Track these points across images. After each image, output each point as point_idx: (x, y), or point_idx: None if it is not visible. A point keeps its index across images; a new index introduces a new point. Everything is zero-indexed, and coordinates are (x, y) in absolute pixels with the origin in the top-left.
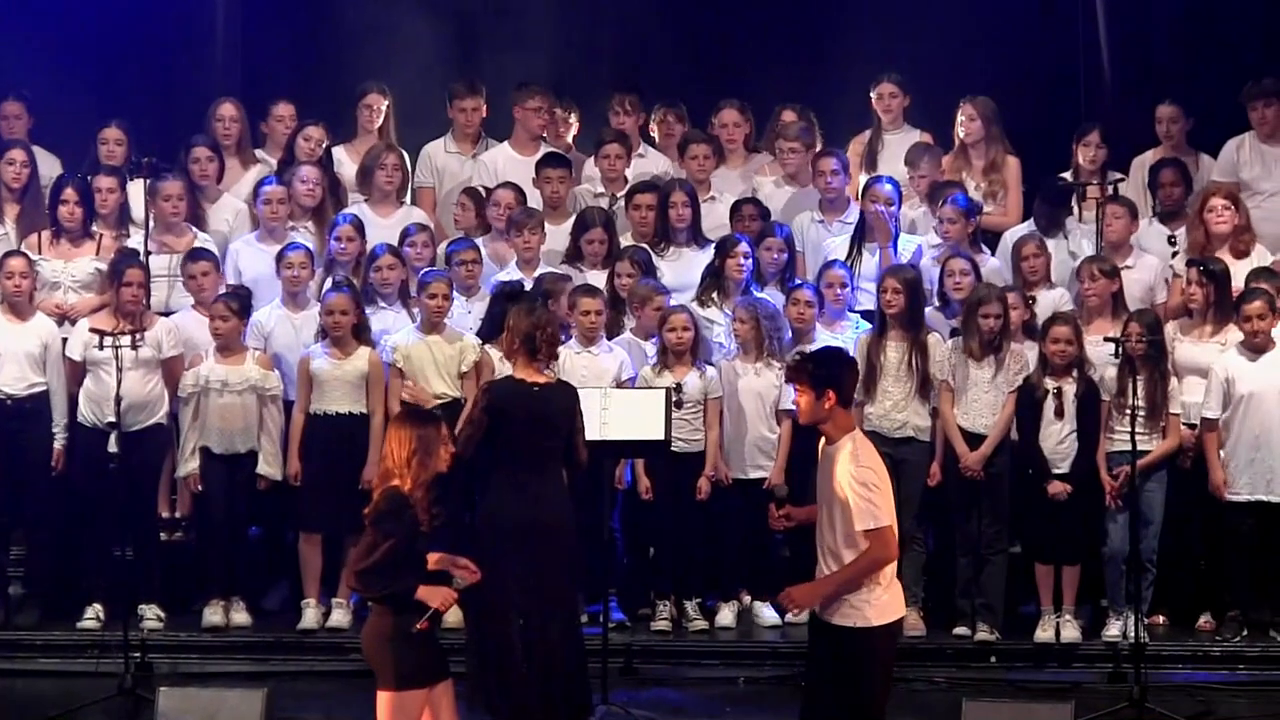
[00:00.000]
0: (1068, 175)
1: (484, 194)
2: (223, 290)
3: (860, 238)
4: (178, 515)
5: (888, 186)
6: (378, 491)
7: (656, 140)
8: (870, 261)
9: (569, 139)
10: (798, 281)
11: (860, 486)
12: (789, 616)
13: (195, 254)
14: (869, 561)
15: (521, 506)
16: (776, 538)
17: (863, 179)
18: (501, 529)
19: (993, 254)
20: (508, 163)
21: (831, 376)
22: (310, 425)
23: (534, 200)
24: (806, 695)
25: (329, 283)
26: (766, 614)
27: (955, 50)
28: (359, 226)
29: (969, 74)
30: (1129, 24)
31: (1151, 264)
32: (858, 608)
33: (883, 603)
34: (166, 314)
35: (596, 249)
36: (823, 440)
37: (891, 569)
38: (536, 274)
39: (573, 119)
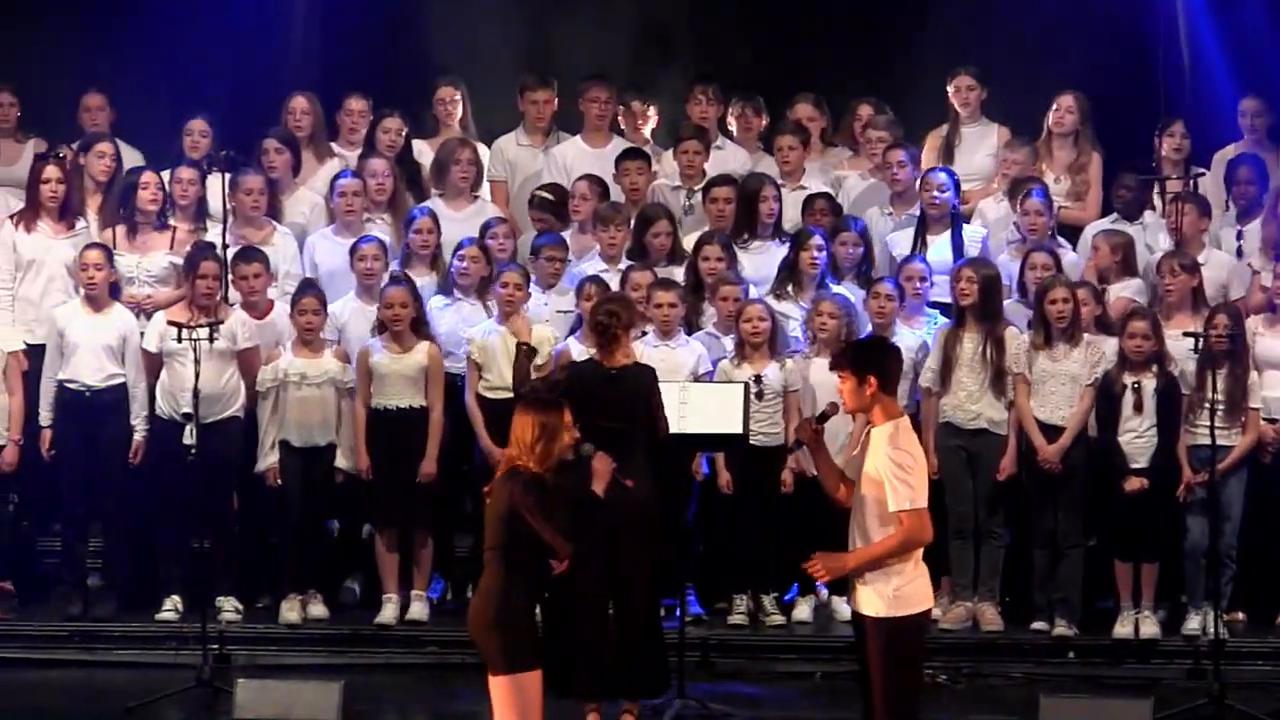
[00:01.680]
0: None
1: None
2: (272, 288)
3: (923, 230)
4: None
5: (942, 175)
6: (502, 470)
7: (734, 133)
8: (933, 253)
9: (646, 133)
10: (878, 275)
11: (897, 468)
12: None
13: (247, 254)
14: (901, 541)
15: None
16: (795, 444)
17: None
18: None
19: (1074, 248)
20: (579, 155)
21: (872, 362)
22: (372, 419)
23: (611, 194)
24: (862, 686)
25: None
26: (844, 609)
27: (1034, 42)
28: (437, 219)
29: (1048, 67)
30: (1213, 16)
31: (1224, 260)
32: (877, 597)
33: (904, 593)
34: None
35: (663, 241)
36: (868, 424)
37: (918, 559)
38: (620, 268)
39: (651, 112)
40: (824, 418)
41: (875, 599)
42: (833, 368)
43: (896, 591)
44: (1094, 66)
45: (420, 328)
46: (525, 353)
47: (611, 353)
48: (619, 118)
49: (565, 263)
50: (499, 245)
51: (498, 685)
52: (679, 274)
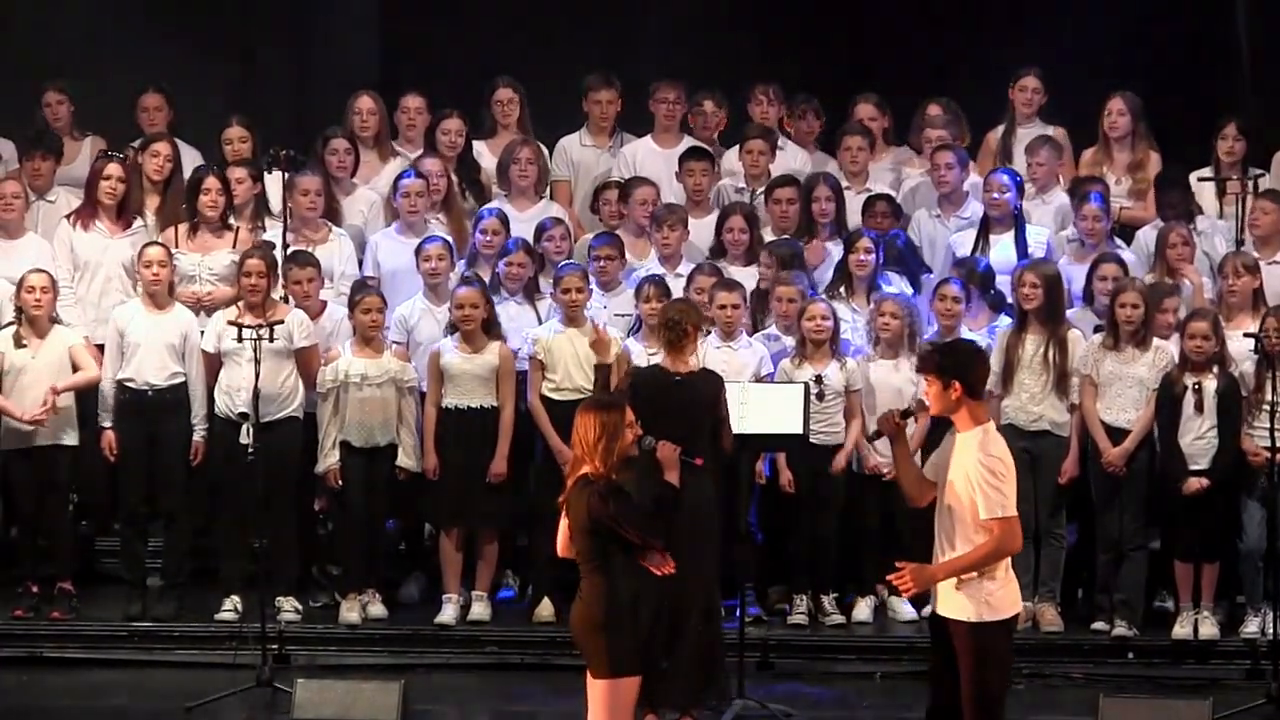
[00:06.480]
0: (1208, 170)
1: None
2: (326, 289)
3: (986, 231)
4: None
5: (1004, 177)
6: (571, 479)
7: (792, 135)
8: (996, 254)
9: (715, 134)
10: (935, 277)
11: (989, 475)
12: (925, 610)
13: (300, 257)
14: (992, 550)
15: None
16: (874, 434)
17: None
18: None
19: (1128, 247)
20: (648, 155)
21: (958, 366)
22: (442, 419)
23: (675, 194)
24: (931, 689)
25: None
26: (903, 609)
27: (1091, 44)
28: (504, 220)
29: (1104, 68)
30: (1269, 13)
31: None
32: (969, 602)
33: (996, 598)
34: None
35: (737, 237)
36: (952, 429)
37: (1008, 564)
38: (678, 269)
39: (722, 113)
40: (908, 414)
41: (967, 603)
42: (920, 370)
43: (989, 596)
44: (1155, 65)
45: (491, 328)
46: (602, 374)
47: (680, 354)
48: (688, 118)
49: (615, 260)
50: (555, 246)
51: (596, 688)
52: (753, 273)
